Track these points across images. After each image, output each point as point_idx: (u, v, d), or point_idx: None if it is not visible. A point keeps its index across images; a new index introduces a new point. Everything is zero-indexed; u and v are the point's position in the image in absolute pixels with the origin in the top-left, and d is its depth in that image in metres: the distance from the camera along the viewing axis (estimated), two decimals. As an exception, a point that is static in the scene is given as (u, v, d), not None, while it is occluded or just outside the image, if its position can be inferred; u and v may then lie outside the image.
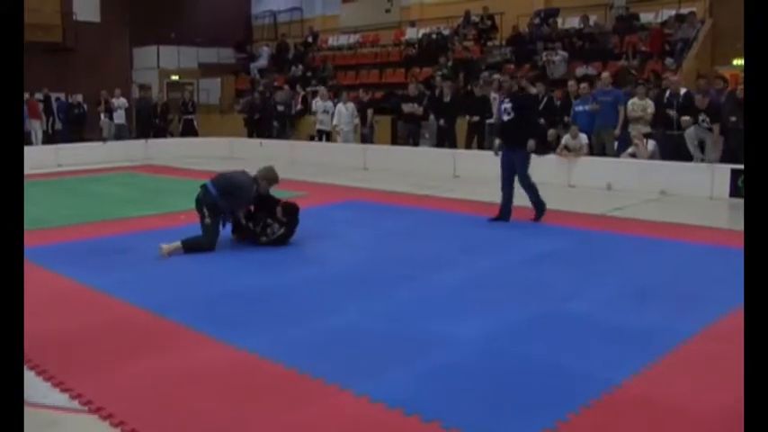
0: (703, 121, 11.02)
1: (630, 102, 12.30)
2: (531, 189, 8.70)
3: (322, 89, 18.18)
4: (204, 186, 7.38)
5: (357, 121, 16.67)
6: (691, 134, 11.38)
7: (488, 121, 14.51)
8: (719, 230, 8.47)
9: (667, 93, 11.95)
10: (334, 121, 16.68)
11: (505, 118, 8.67)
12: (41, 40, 20.30)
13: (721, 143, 11.14)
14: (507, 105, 8.67)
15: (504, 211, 8.69)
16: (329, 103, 17.26)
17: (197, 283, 6.08)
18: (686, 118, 11.13)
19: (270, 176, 7.55)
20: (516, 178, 8.63)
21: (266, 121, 19.47)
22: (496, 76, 15.68)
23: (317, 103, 17.44)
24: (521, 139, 8.50)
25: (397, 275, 6.31)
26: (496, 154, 8.88)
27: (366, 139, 16.81)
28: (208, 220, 7.21)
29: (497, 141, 9.00)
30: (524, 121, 8.60)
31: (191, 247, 7.13)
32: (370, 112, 16.81)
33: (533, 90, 14.08)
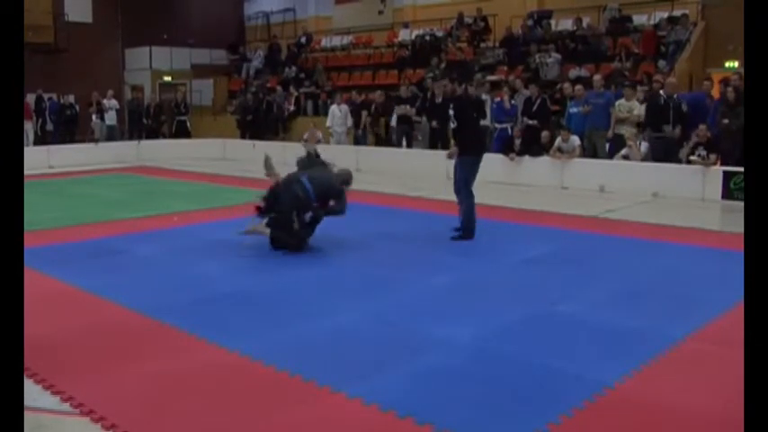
0: (699, 155, 11.01)
1: (617, 103, 12.33)
2: (462, 202, 8.00)
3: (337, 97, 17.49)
4: (300, 183, 7.04)
5: (350, 122, 16.66)
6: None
7: (482, 122, 14.50)
8: (712, 232, 8.49)
9: (663, 95, 11.94)
10: (327, 123, 16.66)
11: (452, 125, 8.14)
12: (32, 40, 20.18)
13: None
14: (450, 112, 8.08)
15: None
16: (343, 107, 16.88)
17: (188, 285, 6.05)
18: (684, 150, 11.14)
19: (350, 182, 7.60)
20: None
21: (259, 123, 19.46)
22: (492, 77, 15.71)
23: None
24: (463, 147, 7.94)
25: (389, 277, 6.31)
26: (450, 157, 8.36)
27: (360, 141, 16.79)
28: (296, 226, 7.02)
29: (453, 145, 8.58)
30: (466, 126, 7.98)
31: (279, 243, 7.09)
32: (364, 114, 16.78)
33: (525, 92, 14.19)
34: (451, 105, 8.09)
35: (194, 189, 12.69)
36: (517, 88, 14.61)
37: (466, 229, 7.93)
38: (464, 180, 7.96)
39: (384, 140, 16.63)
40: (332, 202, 7.26)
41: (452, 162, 8.17)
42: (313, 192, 7.03)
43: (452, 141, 8.54)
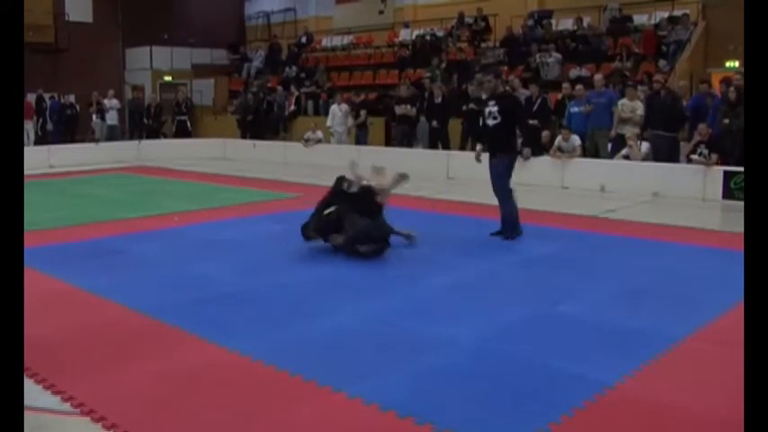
0: (701, 153, 11.01)
1: (620, 102, 12.32)
2: (505, 202, 7.88)
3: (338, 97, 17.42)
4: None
5: (351, 122, 16.63)
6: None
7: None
8: (712, 232, 8.49)
9: (676, 93, 11.96)
10: (328, 122, 16.66)
11: (490, 122, 7.84)
12: (33, 40, 20.20)
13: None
14: (493, 109, 7.81)
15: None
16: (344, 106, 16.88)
17: (189, 285, 6.04)
18: (686, 148, 11.13)
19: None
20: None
21: (259, 123, 19.48)
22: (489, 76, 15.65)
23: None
24: (505, 146, 7.83)
25: (390, 277, 6.31)
26: (479, 160, 8.29)
27: (360, 140, 16.76)
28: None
29: (479, 147, 8.44)
30: (512, 125, 7.85)
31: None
32: (363, 113, 16.75)
33: (524, 91, 14.17)
34: (493, 102, 7.89)
35: (195, 189, 12.70)
36: (515, 88, 14.57)
37: (512, 227, 7.87)
38: (502, 179, 7.88)
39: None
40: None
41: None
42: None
43: (483, 142, 8.35)
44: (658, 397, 3.76)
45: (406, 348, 4.48)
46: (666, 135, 11.77)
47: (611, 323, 5.00)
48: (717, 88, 12.83)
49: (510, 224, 7.88)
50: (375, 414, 3.54)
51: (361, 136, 16.87)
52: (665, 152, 11.69)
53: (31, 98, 19.73)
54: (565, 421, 3.46)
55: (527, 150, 7.99)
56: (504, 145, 7.86)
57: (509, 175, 7.90)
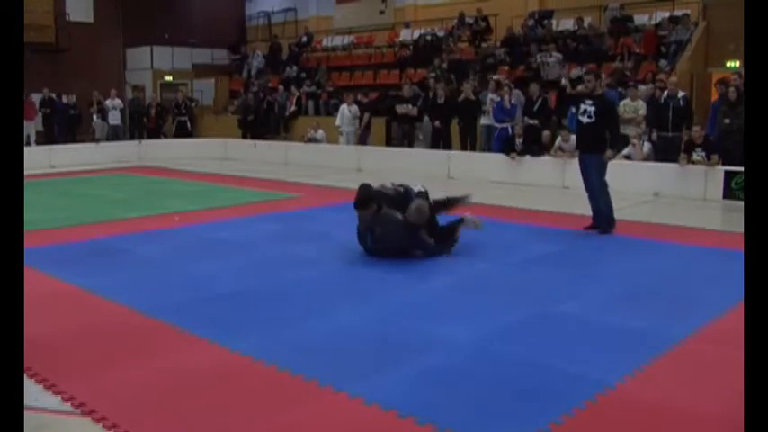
0: (699, 156, 10.99)
1: (623, 103, 12.31)
2: (600, 198, 8.25)
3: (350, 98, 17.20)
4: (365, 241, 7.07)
5: (356, 123, 16.55)
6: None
7: (483, 122, 14.52)
8: (713, 232, 8.49)
9: (665, 94, 11.95)
10: (337, 122, 16.59)
11: (585, 120, 8.18)
12: (34, 40, 20.21)
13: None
14: (589, 108, 8.12)
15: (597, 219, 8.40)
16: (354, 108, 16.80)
17: (190, 285, 6.05)
18: (683, 155, 11.10)
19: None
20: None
21: (260, 123, 19.48)
22: (495, 76, 15.67)
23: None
24: (596, 146, 8.15)
25: (390, 277, 6.30)
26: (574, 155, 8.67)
27: (365, 141, 16.68)
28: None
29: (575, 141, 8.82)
30: (604, 127, 8.12)
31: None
32: (367, 115, 16.68)
33: (517, 92, 14.16)
34: (590, 102, 8.15)
35: (195, 189, 12.70)
36: (511, 88, 14.55)
37: (608, 222, 8.26)
38: (599, 176, 8.22)
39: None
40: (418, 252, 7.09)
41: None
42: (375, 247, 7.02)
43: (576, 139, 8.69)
44: (659, 397, 3.76)
45: (406, 348, 4.48)
46: (672, 136, 11.74)
47: (611, 323, 5.00)
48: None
49: (606, 219, 8.27)
50: (376, 414, 3.54)
51: (364, 136, 16.76)
52: (671, 153, 11.65)
53: (35, 98, 19.78)
54: (565, 421, 3.46)
55: (610, 152, 8.17)
56: (595, 144, 8.17)
57: (603, 171, 8.22)
